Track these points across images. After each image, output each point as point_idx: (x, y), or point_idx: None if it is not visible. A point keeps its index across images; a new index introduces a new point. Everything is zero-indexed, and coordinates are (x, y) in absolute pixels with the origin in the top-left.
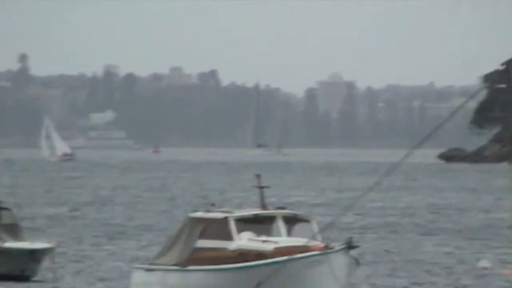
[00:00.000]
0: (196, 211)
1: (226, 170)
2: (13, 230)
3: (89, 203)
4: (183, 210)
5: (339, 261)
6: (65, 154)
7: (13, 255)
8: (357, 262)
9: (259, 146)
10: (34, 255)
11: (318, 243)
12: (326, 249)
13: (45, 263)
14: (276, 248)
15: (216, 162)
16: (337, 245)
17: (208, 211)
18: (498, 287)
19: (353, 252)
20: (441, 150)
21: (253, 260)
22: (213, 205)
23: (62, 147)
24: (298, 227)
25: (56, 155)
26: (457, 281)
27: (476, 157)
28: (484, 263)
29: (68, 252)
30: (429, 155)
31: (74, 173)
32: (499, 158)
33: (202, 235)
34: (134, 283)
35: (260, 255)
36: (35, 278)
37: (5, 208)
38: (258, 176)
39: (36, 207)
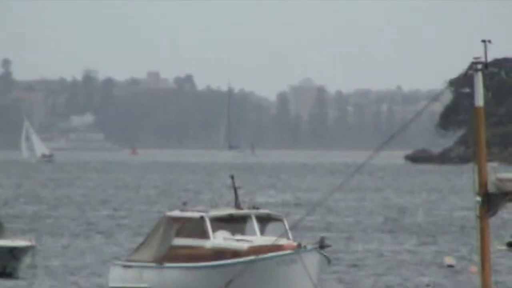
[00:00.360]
0: (172, 210)
1: (199, 170)
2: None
3: (67, 203)
4: (157, 209)
5: (312, 259)
6: (44, 156)
7: None
8: (328, 260)
9: (231, 147)
10: (15, 253)
11: (290, 242)
12: (299, 248)
13: (26, 260)
14: (251, 247)
15: (190, 163)
16: (310, 244)
17: (184, 210)
18: (463, 284)
19: (324, 251)
20: (408, 151)
21: (229, 258)
22: (184, 204)
23: (41, 149)
24: (271, 226)
25: (35, 156)
26: (423, 278)
27: (442, 158)
28: (449, 260)
29: (47, 250)
30: (396, 156)
31: (54, 174)
32: (464, 160)
33: (178, 234)
34: (111, 279)
35: (235, 253)
36: (16, 275)
37: None
38: (232, 177)
39: (17, 207)
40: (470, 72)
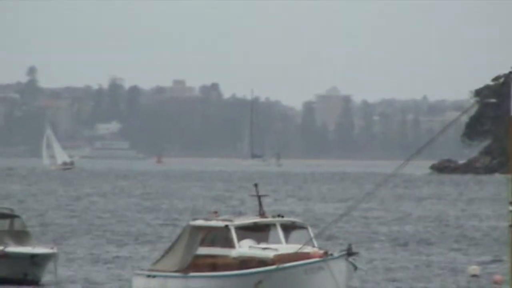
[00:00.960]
0: (196, 219)
1: (223, 179)
2: (22, 237)
3: (90, 210)
4: (181, 218)
5: (339, 266)
6: (65, 163)
7: (15, 259)
8: (354, 267)
9: (254, 156)
10: (35, 260)
11: (317, 249)
12: (326, 255)
13: (48, 267)
14: (277, 255)
15: (214, 172)
16: (337, 252)
17: (208, 219)
18: None
19: (351, 258)
20: (433, 161)
21: (255, 267)
22: (215, 212)
23: (62, 157)
24: (295, 234)
25: (56, 164)
26: (449, 285)
27: (467, 168)
28: (473, 270)
29: (71, 257)
30: (421, 166)
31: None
32: (490, 170)
33: (203, 243)
34: None
35: (261, 262)
36: (38, 282)
37: (16, 216)
38: (255, 185)
39: (37, 215)
40: (499, 81)
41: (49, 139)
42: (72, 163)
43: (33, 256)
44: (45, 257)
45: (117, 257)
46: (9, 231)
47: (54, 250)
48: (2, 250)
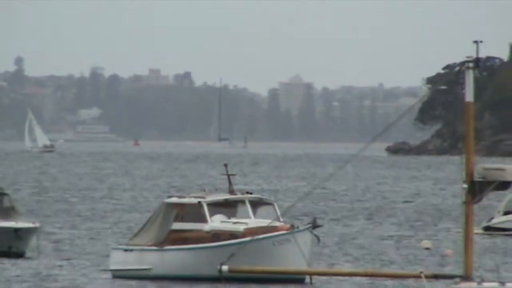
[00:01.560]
0: (170, 196)
1: (192, 160)
2: (9, 212)
3: (69, 189)
4: (155, 196)
5: (304, 238)
6: (46, 146)
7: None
8: (318, 239)
9: (221, 139)
10: (19, 233)
11: (283, 223)
12: (292, 229)
13: (31, 241)
14: (247, 229)
15: (185, 154)
16: (302, 225)
17: (181, 196)
18: (438, 264)
19: (315, 231)
20: (388, 143)
21: (226, 240)
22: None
23: (43, 140)
24: (262, 209)
25: (37, 146)
26: (402, 257)
27: (420, 150)
28: (426, 243)
29: (53, 232)
30: (377, 148)
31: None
32: (441, 151)
33: (177, 218)
34: (113, 262)
35: (232, 235)
36: (22, 255)
37: (4, 194)
38: (225, 165)
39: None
40: (449, 70)
41: (31, 123)
42: (52, 146)
43: (16, 230)
44: (27, 231)
45: (93, 230)
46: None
47: (36, 225)
48: None
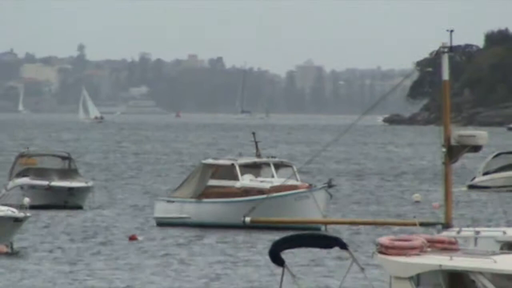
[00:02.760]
0: (207, 158)
1: (222, 129)
2: (71, 174)
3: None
4: (193, 158)
5: (320, 196)
6: (96, 117)
7: (57, 191)
8: (330, 196)
9: (243, 112)
10: (72, 191)
11: (303, 182)
12: (310, 187)
13: (85, 198)
14: (272, 186)
15: (216, 123)
16: (319, 184)
17: (216, 158)
18: (427, 213)
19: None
20: (385, 115)
21: (254, 195)
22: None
23: (94, 112)
24: (283, 170)
25: (89, 118)
26: (398, 208)
27: (411, 121)
28: (416, 197)
29: (106, 188)
30: (376, 119)
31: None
32: (428, 122)
33: (213, 176)
34: (157, 211)
35: (260, 191)
36: (79, 208)
37: (70, 158)
38: (253, 133)
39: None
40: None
41: (85, 99)
42: (102, 117)
43: (70, 189)
44: (80, 189)
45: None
46: (62, 170)
47: (89, 184)
48: (48, 184)
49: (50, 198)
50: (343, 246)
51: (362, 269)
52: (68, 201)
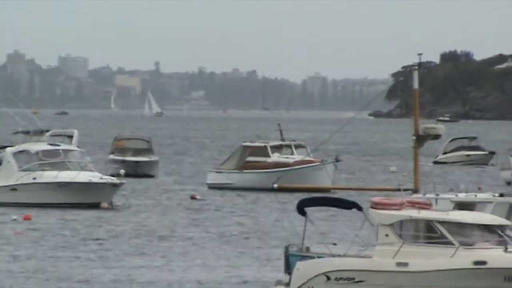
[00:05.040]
0: (245, 141)
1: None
2: (147, 152)
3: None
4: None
5: (331, 168)
6: (157, 113)
7: (128, 163)
8: (336, 168)
9: (265, 109)
10: (139, 164)
11: (317, 158)
12: (322, 162)
13: (153, 168)
14: (295, 161)
15: (247, 117)
16: (329, 159)
17: (252, 141)
18: (399, 181)
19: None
20: (370, 111)
21: (281, 167)
22: (259, 137)
23: (156, 109)
24: (300, 150)
25: (152, 113)
26: (380, 176)
27: (388, 115)
28: (393, 168)
29: (173, 162)
30: (364, 114)
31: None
32: (401, 116)
33: (250, 154)
34: (209, 179)
35: (286, 165)
36: (148, 176)
37: (148, 140)
38: (279, 124)
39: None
40: (409, 69)
41: (150, 100)
42: (161, 113)
43: (136, 162)
44: (145, 163)
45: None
46: (142, 149)
47: (152, 159)
48: (123, 159)
49: (134, 169)
50: (360, 208)
51: (373, 225)
52: (136, 171)
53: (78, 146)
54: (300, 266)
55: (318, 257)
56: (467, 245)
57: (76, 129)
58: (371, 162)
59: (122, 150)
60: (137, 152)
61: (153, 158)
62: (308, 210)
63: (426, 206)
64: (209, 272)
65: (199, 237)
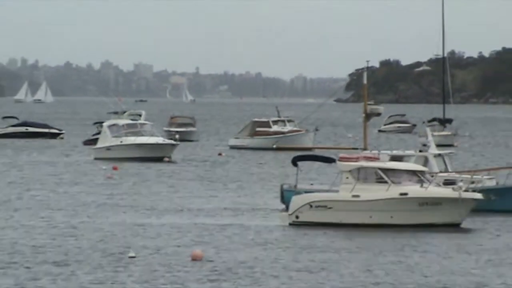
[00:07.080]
0: (255, 118)
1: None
2: (190, 126)
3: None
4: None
5: (311, 134)
6: (191, 100)
7: (161, 147)
8: (315, 135)
9: (263, 97)
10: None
11: (302, 128)
12: (307, 132)
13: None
14: (289, 130)
15: (253, 102)
16: (311, 129)
17: (259, 117)
18: (355, 143)
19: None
20: (335, 98)
21: (279, 135)
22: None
23: (189, 97)
24: (291, 123)
25: (187, 100)
26: (342, 140)
27: (346, 101)
28: (349, 136)
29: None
30: (330, 100)
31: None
32: (354, 102)
33: (259, 126)
34: (230, 142)
35: (282, 133)
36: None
37: (192, 118)
38: (276, 107)
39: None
40: (361, 71)
41: (186, 91)
42: (194, 100)
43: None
44: (189, 132)
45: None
46: (187, 123)
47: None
48: (175, 130)
49: (182, 136)
50: (333, 161)
51: (339, 172)
52: (189, 138)
53: (147, 121)
54: (295, 198)
55: (306, 192)
56: (397, 183)
57: (144, 111)
58: (336, 131)
59: (177, 125)
60: (184, 125)
61: (194, 129)
62: (299, 163)
63: (375, 159)
64: (234, 199)
65: (225, 179)
